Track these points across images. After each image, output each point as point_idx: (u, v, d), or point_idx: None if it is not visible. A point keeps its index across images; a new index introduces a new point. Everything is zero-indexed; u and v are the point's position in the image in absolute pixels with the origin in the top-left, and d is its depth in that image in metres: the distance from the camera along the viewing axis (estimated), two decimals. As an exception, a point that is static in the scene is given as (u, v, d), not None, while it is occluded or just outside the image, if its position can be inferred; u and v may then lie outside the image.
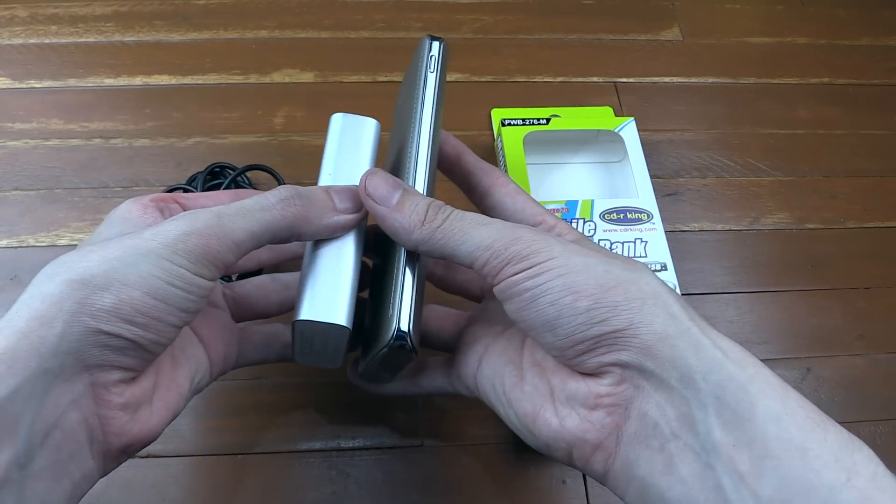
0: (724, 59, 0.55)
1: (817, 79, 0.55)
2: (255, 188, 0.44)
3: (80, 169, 0.45)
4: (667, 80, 0.53)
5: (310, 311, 0.26)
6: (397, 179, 0.27)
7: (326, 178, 0.29)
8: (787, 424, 0.20)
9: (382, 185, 0.26)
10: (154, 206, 0.27)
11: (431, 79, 0.29)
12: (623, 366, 0.22)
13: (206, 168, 0.44)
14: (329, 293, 0.27)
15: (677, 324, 0.22)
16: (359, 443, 0.38)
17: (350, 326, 0.27)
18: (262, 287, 0.33)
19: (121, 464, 0.24)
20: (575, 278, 0.23)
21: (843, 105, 0.53)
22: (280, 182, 0.44)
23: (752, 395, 0.20)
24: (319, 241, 0.28)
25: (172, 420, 0.25)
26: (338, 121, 0.31)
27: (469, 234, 0.24)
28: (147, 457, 0.36)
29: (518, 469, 0.38)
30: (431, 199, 0.26)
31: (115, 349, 0.22)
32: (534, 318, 0.23)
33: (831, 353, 0.43)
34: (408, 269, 0.26)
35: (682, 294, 0.41)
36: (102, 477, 0.24)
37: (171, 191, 0.43)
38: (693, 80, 0.53)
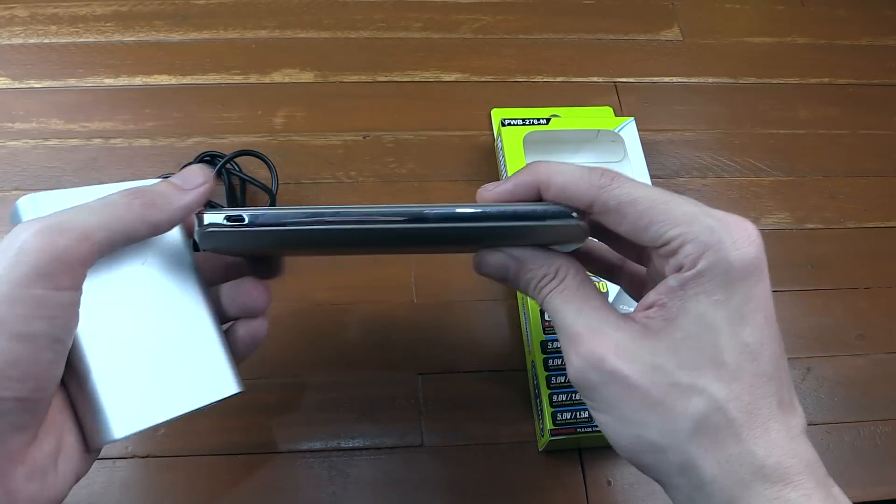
0: (724, 59, 0.55)
1: (817, 79, 0.55)
2: (249, 177, 0.44)
3: (80, 169, 0.45)
4: (667, 80, 0.53)
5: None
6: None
7: None
8: None
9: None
10: None
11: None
12: None
13: (197, 157, 0.44)
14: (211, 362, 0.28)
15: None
16: (359, 443, 0.38)
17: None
18: None
19: None
20: None
21: (843, 105, 0.53)
22: (271, 168, 0.43)
23: None
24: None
25: (77, 481, 0.24)
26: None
27: None
28: (147, 457, 0.36)
29: (518, 469, 0.38)
30: None
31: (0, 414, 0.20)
32: None
33: (831, 353, 0.43)
34: None
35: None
36: None
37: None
38: (693, 80, 0.53)
